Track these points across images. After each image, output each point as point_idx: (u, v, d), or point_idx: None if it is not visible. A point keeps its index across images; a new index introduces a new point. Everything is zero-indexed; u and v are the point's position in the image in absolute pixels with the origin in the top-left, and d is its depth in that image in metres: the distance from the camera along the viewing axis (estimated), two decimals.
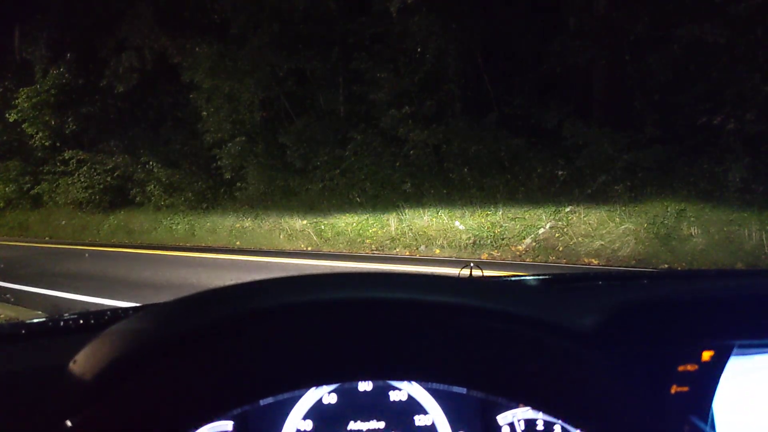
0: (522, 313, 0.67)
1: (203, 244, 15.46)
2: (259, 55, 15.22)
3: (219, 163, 16.54)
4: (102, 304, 7.15)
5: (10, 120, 21.46)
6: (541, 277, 1.37)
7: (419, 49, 13.92)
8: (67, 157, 20.69)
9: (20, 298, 7.81)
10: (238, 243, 15.04)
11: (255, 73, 15.41)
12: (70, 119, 20.89)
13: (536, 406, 0.59)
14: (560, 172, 11.83)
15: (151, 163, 18.40)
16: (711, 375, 0.90)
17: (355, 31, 14.89)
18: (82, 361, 0.68)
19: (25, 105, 21.00)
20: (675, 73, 11.23)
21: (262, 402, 0.59)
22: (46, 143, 21.45)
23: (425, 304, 0.64)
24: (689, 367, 0.88)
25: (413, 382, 0.98)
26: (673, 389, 0.87)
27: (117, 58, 18.36)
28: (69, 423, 0.52)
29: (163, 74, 18.30)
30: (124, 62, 18.14)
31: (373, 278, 0.68)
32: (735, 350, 0.91)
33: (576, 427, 0.62)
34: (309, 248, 13.41)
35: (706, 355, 0.89)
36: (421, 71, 13.89)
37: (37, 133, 21.46)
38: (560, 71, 12.52)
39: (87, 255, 13.86)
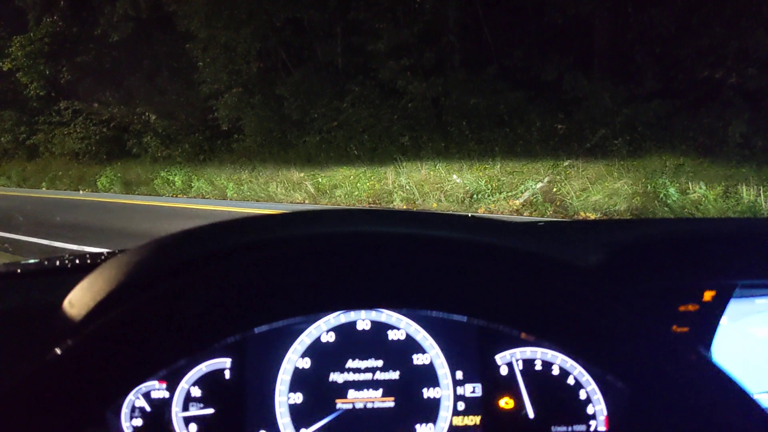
0: (528, 249, 0.66)
1: (200, 196, 15.44)
2: (255, 4, 14.95)
3: (216, 114, 16.42)
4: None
5: (4, 69, 21.20)
6: (544, 220, 1.38)
7: (418, 0, 13.68)
8: (62, 108, 20.49)
9: (18, 248, 7.82)
10: (235, 195, 15.01)
11: (251, 23, 15.16)
12: (64, 68, 20.63)
13: (537, 334, 0.59)
14: (559, 126, 11.76)
15: (147, 114, 18.24)
16: (711, 316, 0.90)
17: None
18: (78, 295, 0.68)
19: (19, 54, 20.70)
20: (677, 26, 11.07)
21: (257, 330, 0.59)
22: (41, 93, 21.22)
23: (431, 239, 0.64)
24: (690, 307, 0.88)
25: (411, 321, 0.99)
26: (674, 329, 0.87)
27: (111, 5, 18.04)
28: (59, 350, 0.52)
29: (158, 23, 18.00)
30: (118, 10, 17.82)
31: (379, 214, 0.68)
32: (736, 291, 0.91)
33: (578, 356, 0.62)
34: (306, 201, 13.39)
35: (708, 295, 0.89)
36: (421, 22, 13.66)
37: (31, 82, 21.21)
38: (561, 23, 12.32)
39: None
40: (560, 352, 0.96)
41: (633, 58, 11.77)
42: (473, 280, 0.58)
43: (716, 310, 0.90)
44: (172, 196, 15.58)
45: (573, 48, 12.32)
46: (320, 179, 13.79)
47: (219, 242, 0.65)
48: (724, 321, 0.91)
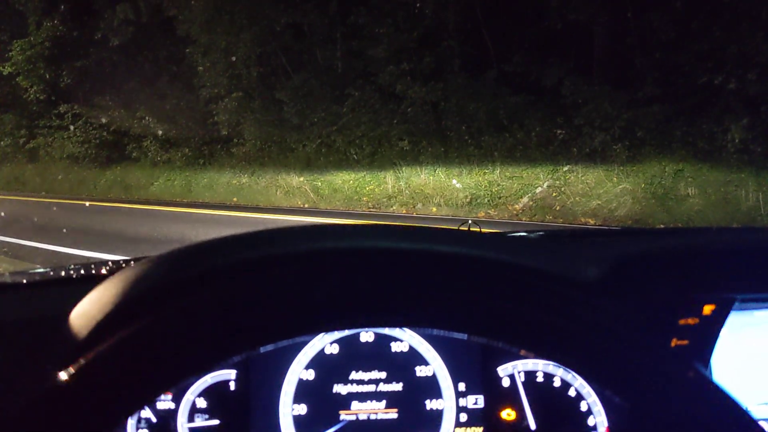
0: (526, 264, 0.67)
1: (200, 200, 15.44)
2: (255, 9, 14.97)
3: (216, 118, 16.42)
4: (101, 259, 7.15)
5: (4, 73, 21.19)
6: (542, 232, 1.38)
7: (418, 4, 13.70)
8: (62, 111, 20.49)
9: (18, 252, 7.81)
10: (234, 199, 15.01)
11: (252, 27, 15.17)
12: (64, 72, 20.62)
13: (537, 352, 0.60)
14: (559, 131, 11.77)
15: (147, 118, 18.24)
16: (711, 329, 0.91)
17: None
18: (85, 309, 0.68)
19: (19, 58, 20.70)
20: (677, 31, 11.07)
21: (262, 349, 0.59)
22: (41, 97, 21.22)
23: (431, 254, 0.65)
24: (690, 321, 0.89)
25: (414, 334, 1.00)
26: (674, 342, 0.89)
27: (111, 10, 18.04)
28: (72, 369, 0.53)
29: (158, 27, 18.01)
30: (119, 14, 17.83)
31: (380, 229, 0.69)
32: (736, 305, 0.92)
33: (577, 373, 0.63)
34: (306, 205, 13.41)
35: (707, 309, 0.90)
36: (421, 26, 13.69)
37: (31, 86, 21.22)
38: (561, 28, 12.33)
39: (87, 205, 13.89)
40: (560, 366, 0.97)
41: (632, 63, 11.78)
42: (472, 297, 0.59)
43: (716, 324, 0.91)
44: (171, 200, 15.56)
45: (572, 53, 12.33)
46: (320, 183, 13.80)
47: (226, 258, 0.66)
48: (724, 333, 0.93)
